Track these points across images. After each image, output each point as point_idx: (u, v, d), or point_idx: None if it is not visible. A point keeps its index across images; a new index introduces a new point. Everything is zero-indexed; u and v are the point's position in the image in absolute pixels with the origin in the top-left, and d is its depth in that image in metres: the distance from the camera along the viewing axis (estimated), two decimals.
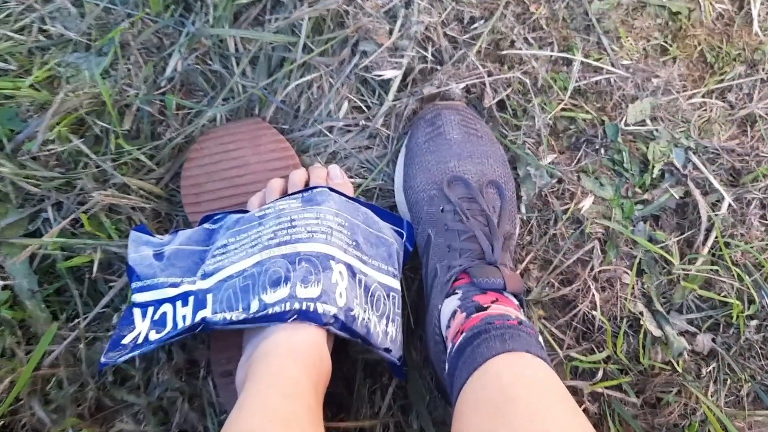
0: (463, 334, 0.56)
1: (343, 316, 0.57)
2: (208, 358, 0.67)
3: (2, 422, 0.60)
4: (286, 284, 0.56)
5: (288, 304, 0.55)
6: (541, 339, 0.57)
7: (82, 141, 0.70)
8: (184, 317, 0.60)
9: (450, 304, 0.61)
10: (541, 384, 0.50)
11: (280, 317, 0.55)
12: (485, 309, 0.58)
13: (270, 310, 0.55)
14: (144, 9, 0.77)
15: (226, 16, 0.76)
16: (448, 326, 0.60)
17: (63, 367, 0.64)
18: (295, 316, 0.55)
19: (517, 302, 0.61)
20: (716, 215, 0.74)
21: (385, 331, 0.62)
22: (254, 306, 0.56)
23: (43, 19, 0.78)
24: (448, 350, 0.58)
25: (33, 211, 0.68)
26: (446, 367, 0.58)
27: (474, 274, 0.60)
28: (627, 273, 0.72)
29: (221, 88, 0.76)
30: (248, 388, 0.51)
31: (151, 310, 0.62)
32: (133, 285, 0.63)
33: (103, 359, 0.58)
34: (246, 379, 0.53)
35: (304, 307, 0.55)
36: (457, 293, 0.61)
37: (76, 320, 0.66)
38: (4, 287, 0.66)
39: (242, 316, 0.56)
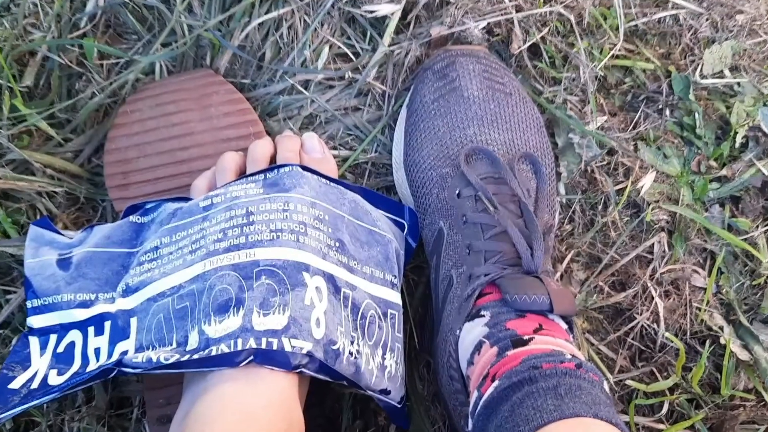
0: (496, 383, 0.38)
1: (321, 353, 0.39)
2: (143, 395, 0.49)
3: None
4: (238, 310, 0.39)
5: (240, 341, 0.37)
6: (607, 387, 0.39)
7: None
8: (97, 351, 0.43)
9: (473, 330, 0.43)
10: None
11: (229, 360, 0.37)
12: (526, 343, 0.40)
13: (214, 349, 0.38)
14: None
15: None
16: (471, 362, 0.43)
17: None
18: (250, 358, 0.37)
19: (566, 328, 0.44)
20: None
21: (381, 365, 0.44)
22: (192, 341, 0.39)
23: None
24: (473, 401, 0.41)
25: None
26: (469, 424, 0.41)
27: (507, 288, 0.43)
28: (700, 273, 0.55)
29: (159, 29, 0.56)
30: None
31: (53, 339, 0.44)
32: (29, 304, 0.45)
33: None
34: None
35: (263, 345, 0.37)
36: (483, 316, 0.43)
37: None
38: None
39: (175, 357, 0.38)
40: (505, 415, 0.37)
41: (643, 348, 0.55)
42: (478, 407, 0.39)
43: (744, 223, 0.56)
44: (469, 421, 0.41)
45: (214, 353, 0.37)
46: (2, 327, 0.50)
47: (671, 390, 0.54)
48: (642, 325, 0.54)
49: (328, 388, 0.51)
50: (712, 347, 0.54)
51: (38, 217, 0.51)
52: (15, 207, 0.51)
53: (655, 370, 0.55)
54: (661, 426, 0.53)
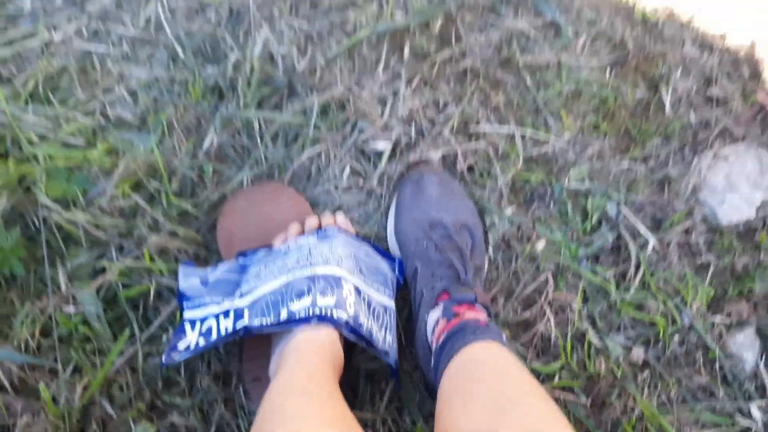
0: (445, 334, 0.73)
1: (352, 321, 0.74)
2: (239, 369, 0.83)
3: (79, 415, 0.75)
4: (309, 295, 0.74)
5: (311, 310, 0.72)
6: (504, 337, 0.74)
7: (140, 197, 0.88)
8: (226, 328, 0.77)
9: (434, 315, 0.78)
10: (506, 358, 0.67)
11: (305, 320, 0.72)
12: (461, 315, 0.75)
13: (296, 315, 0.72)
14: (185, 97, 0.98)
15: (252, 102, 0.97)
16: (433, 332, 0.77)
17: (124, 374, 0.79)
18: (316, 320, 0.72)
19: (485, 313, 0.79)
20: (643, 254, 0.93)
21: (384, 338, 0.78)
22: (283, 314, 0.73)
23: (104, 105, 0.98)
24: (433, 350, 0.75)
25: (100, 253, 0.86)
26: (432, 362, 0.75)
27: (452, 291, 0.78)
28: (574, 300, 0.90)
29: (248, 158, 0.95)
30: (280, 372, 0.67)
31: (199, 324, 0.78)
32: (185, 305, 0.80)
33: (163, 359, 0.74)
34: (278, 368, 0.69)
35: (323, 313, 0.72)
36: (439, 306, 0.78)
37: (134, 339, 0.82)
38: (76, 313, 0.82)
39: (275, 321, 0.73)
40: (449, 347, 0.71)
41: (543, 346, 0.89)
42: (436, 350, 0.74)
43: (601, 270, 0.93)
44: (432, 362, 0.75)
45: (296, 317, 0.72)
46: (157, 328, 0.84)
47: (560, 369, 0.87)
48: (541, 331, 0.89)
49: (350, 365, 0.84)
50: (581, 342, 0.89)
51: (180, 259, 0.87)
52: (166, 258, 0.87)
53: (551, 358, 0.89)
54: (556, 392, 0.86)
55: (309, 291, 0.74)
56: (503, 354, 0.68)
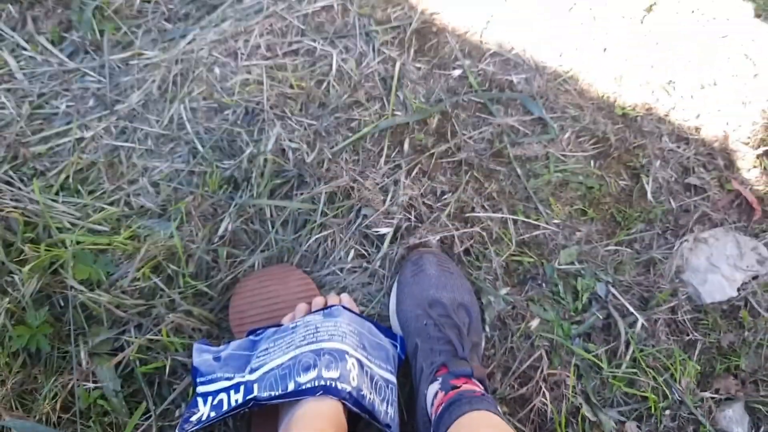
0: (443, 405, 0.78)
1: (355, 393, 0.79)
2: None
3: None
4: (315, 369, 0.79)
5: (316, 382, 0.77)
6: (499, 409, 0.78)
7: (159, 279, 0.95)
8: (236, 400, 0.81)
9: (433, 388, 0.83)
10: (501, 426, 0.71)
11: (311, 392, 0.77)
12: (458, 387, 0.80)
13: (303, 387, 0.77)
14: (203, 188, 1.06)
15: (265, 192, 1.05)
16: (432, 405, 0.82)
17: None
18: (321, 392, 0.77)
19: (482, 386, 0.84)
20: (632, 331, 0.98)
21: (386, 411, 0.83)
22: (291, 386, 0.78)
23: (129, 195, 1.06)
24: (432, 421, 0.80)
25: (119, 331, 0.92)
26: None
27: (450, 365, 0.83)
28: (568, 376, 0.95)
29: (260, 242, 1.03)
30: None
31: (210, 398, 0.83)
32: (198, 380, 0.85)
33: (177, 431, 0.78)
34: None
35: (328, 384, 0.77)
36: (438, 380, 0.83)
37: (149, 414, 0.87)
38: (96, 388, 0.87)
39: (282, 392, 0.78)
40: (446, 416, 0.75)
41: (540, 420, 0.93)
42: (434, 420, 0.78)
43: (593, 347, 0.98)
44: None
45: (303, 389, 0.77)
46: (170, 403, 0.88)
47: None
48: (537, 407, 0.93)
49: None
50: (576, 417, 0.92)
51: (194, 342, 0.92)
52: (181, 336, 0.93)
53: None
54: None
55: (315, 365, 0.79)
56: (498, 422, 0.73)
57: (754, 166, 1.13)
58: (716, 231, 1.07)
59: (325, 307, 0.90)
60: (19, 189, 1.03)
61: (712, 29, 1.28)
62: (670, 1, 1.32)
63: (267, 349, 0.86)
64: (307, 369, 0.79)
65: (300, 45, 1.21)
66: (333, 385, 0.77)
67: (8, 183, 1.04)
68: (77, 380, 0.87)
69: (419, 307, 0.92)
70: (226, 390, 0.83)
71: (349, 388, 0.78)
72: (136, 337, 0.91)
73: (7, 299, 0.89)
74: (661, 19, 1.29)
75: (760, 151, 1.14)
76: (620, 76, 1.22)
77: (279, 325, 0.90)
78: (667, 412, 0.94)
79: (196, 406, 0.83)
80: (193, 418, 0.81)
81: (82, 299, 0.91)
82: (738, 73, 1.22)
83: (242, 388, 0.83)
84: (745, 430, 0.94)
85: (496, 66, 1.21)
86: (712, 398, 0.96)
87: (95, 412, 0.85)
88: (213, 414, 0.81)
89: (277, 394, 0.78)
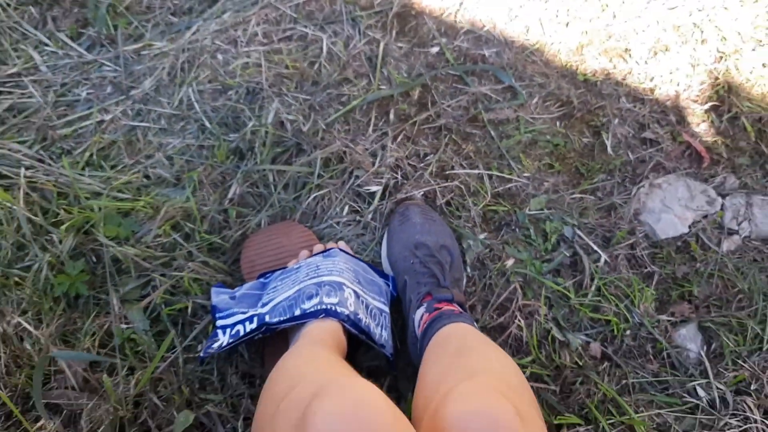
0: (426, 323, 0.91)
1: (353, 317, 0.92)
2: (262, 371, 1.00)
3: (133, 405, 0.92)
4: (317, 297, 0.92)
5: (318, 306, 0.91)
6: (476, 324, 0.91)
7: (178, 235, 1.09)
8: (251, 329, 0.95)
9: (419, 312, 0.96)
10: (474, 331, 0.84)
11: (315, 315, 0.90)
12: (440, 309, 0.93)
13: (307, 311, 0.90)
14: (212, 159, 1.20)
15: (267, 159, 1.19)
16: (419, 325, 0.95)
17: (168, 375, 0.97)
18: (323, 314, 0.90)
19: (461, 309, 0.97)
20: (596, 266, 1.12)
21: (380, 334, 0.96)
22: (297, 312, 0.92)
23: (147, 168, 1.19)
24: (419, 338, 0.93)
25: (146, 279, 1.05)
26: (418, 347, 0.92)
27: (433, 293, 0.97)
28: (540, 306, 1.08)
29: (264, 203, 1.16)
30: (291, 349, 0.85)
31: (228, 329, 0.96)
32: (216, 315, 0.98)
33: (201, 354, 0.92)
34: (290, 347, 0.87)
35: (328, 308, 0.90)
36: (423, 305, 0.96)
37: (174, 348, 1.00)
38: (128, 328, 1.00)
39: (289, 317, 0.91)
40: (429, 331, 0.89)
41: (517, 345, 1.06)
42: (420, 336, 0.91)
43: (562, 281, 1.11)
44: (418, 347, 0.92)
45: (307, 312, 0.90)
46: (192, 339, 1.02)
47: (532, 362, 1.04)
48: (514, 333, 1.06)
49: (354, 364, 1.01)
50: (548, 339, 1.05)
51: (211, 284, 1.05)
52: (200, 282, 1.06)
53: (524, 354, 1.05)
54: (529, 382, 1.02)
55: (317, 294, 0.93)
56: (472, 330, 0.86)
57: (703, 121, 1.27)
58: (669, 177, 1.20)
59: (325, 250, 1.04)
60: (50, 165, 1.17)
61: (663, 1, 1.42)
62: None
63: (275, 287, 0.99)
64: (310, 297, 0.92)
65: (293, 31, 1.35)
66: (333, 308, 0.91)
67: (40, 161, 1.17)
68: (112, 321, 1.00)
69: (406, 249, 1.05)
70: (242, 322, 0.96)
71: (347, 312, 0.91)
72: (160, 285, 1.04)
73: (48, 255, 1.02)
74: None
75: (707, 106, 1.28)
76: (581, 46, 1.35)
77: (285, 268, 1.03)
78: (628, 332, 1.07)
79: (216, 336, 0.96)
80: (215, 345, 0.94)
81: (113, 252, 1.04)
82: (687, 40, 1.36)
83: (255, 318, 0.96)
84: (697, 346, 1.07)
85: (469, 42, 1.35)
86: (668, 321, 1.09)
87: (129, 348, 0.99)
88: (231, 340, 0.94)
89: (285, 318, 0.91)
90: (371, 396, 0.55)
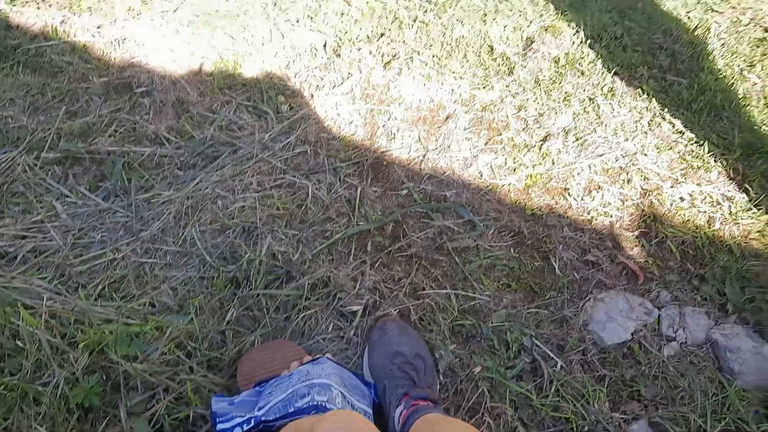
0: (405, 418, 1.04)
1: None
2: None
3: None
4: (309, 396, 1.05)
5: (310, 403, 1.03)
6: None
7: (181, 353, 1.22)
8: (249, 429, 1.06)
9: (398, 410, 1.09)
10: (447, 418, 0.98)
11: (307, 411, 1.03)
12: (416, 405, 1.07)
13: (300, 407, 1.03)
14: (212, 288, 1.36)
15: (261, 286, 1.35)
16: (398, 422, 1.07)
17: None
18: (314, 410, 1.03)
19: (435, 405, 1.10)
20: (554, 371, 1.26)
21: None
22: (291, 409, 1.04)
23: (152, 297, 1.35)
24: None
25: (151, 393, 1.17)
26: None
27: (410, 392, 1.10)
28: (506, 407, 1.21)
29: (258, 324, 1.31)
30: None
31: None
32: (217, 420, 1.09)
33: None
34: None
35: (319, 404, 1.03)
36: (402, 404, 1.09)
37: None
38: None
39: (284, 413, 1.03)
40: (407, 424, 1.02)
41: None
42: (399, 431, 1.04)
43: (525, 384, 1.25)
44: None
45: (300, 408, 1.03)
46: None
47: None
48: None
49: None
50: None
51: (210, 395, 1.17)
52: (200, 394, 1.17)
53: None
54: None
55: (309, 393, 1.06)
56: (448, 418, 0.99)
57: (635, 245, 1.49)
58: (610, 292, 1.39)
59: (314, 359, 1.18)
60: (66, 296, 1.31)
61: (593, 150, 1.70)
62: (559, 140, 1.74)
63: (270, 392, 1.12)
64: (303, 396, 1.05)
65: (283, 180, 1.58)
66: (323, 405, 1.03)
67: (58, 293, 1.32)
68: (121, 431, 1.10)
69: (385, 358, 1.20)
70: (240, 424, 1.08)
71: (335, 408, 1.04)
72: (164, 397, 1.16)
73: (65, 371, 1.14)
74: (557, 148, 1.71)
75: (638, 233, 1.50)
76: (527, 187, 1.60)
77: (278, 377, 1.17)
78: (586, 429, 1.19)
79: None
80: None
81: (125, 368, 1.16)
82: (615, 180, 1.61)
83: (253, 420, 1.08)
84: None
85: (433, 185, 1.59)
86: (621, 418, 1.22)
87: None
88: None
89: (280, 415, 1.03)
90: (360, 418, 0.71)
